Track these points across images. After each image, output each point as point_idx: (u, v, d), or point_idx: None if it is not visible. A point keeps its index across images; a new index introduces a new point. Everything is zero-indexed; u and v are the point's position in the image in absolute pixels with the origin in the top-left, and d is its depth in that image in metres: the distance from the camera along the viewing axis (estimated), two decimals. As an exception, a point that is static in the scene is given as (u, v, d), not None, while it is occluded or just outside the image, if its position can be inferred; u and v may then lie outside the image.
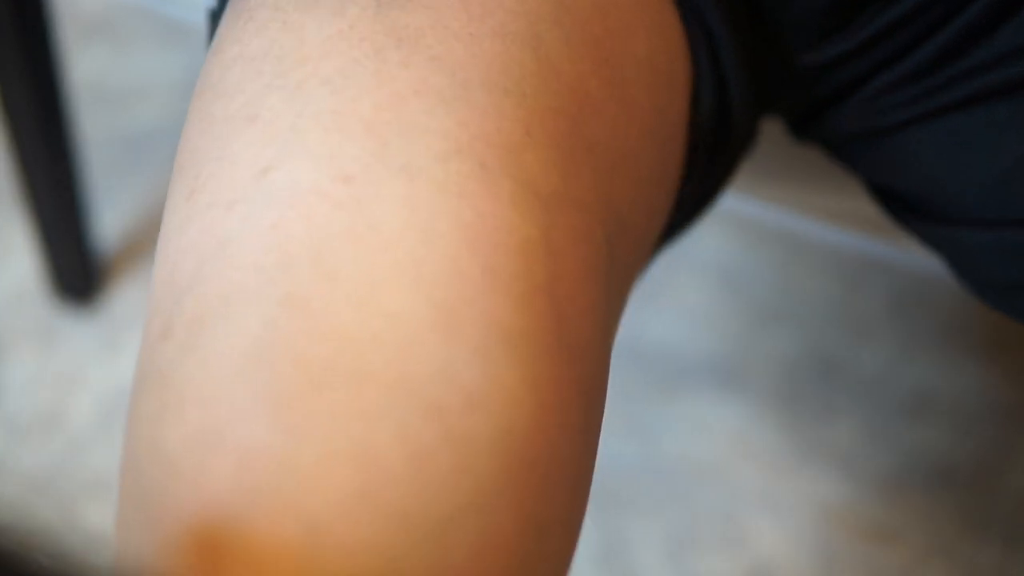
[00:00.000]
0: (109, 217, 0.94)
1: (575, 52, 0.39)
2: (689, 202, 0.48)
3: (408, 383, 0.32)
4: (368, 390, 0.32)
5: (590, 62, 0.40)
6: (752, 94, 0.47)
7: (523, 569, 0.33)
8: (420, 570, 0.31)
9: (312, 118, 0.36)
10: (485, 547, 0.32)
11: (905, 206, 0.49)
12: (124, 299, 0.91)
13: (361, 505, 0.31)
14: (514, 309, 0.34)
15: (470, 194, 0.35)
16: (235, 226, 0.35)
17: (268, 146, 0.36)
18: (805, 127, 0.51)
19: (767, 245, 0.95)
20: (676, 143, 0.45)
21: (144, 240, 0.94)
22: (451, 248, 0.34)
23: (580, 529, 0.37)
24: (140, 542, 0.33)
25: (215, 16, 0.45)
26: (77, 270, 0.88)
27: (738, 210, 0.73)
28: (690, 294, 0.92)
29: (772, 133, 0.55)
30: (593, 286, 0.38)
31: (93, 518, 0.81)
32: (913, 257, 0.61)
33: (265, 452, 0.31)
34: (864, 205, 0.56)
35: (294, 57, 0.37)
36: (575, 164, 0.38)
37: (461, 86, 0.37)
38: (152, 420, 0.33)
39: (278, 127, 0.36)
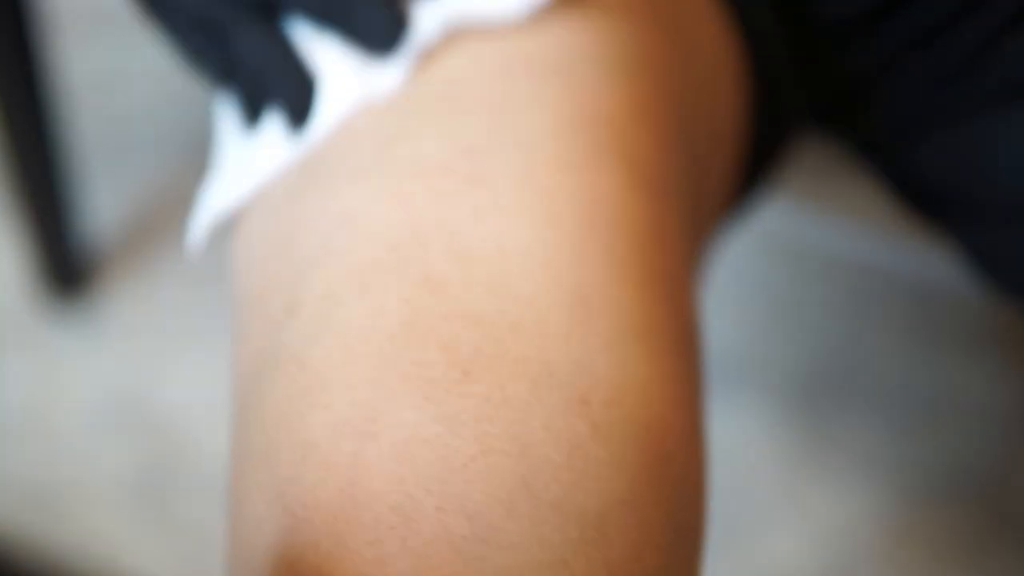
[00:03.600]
0: (97, 216, 0.93)
1: (661, 29, 0.39)
2: (746, 184, 0.48)
3: (552, 374, 0.31)
4: (516, 379, 0.31)
5: (672, 41, 0.40)
6: (797, 85, 0.47)
7: (672, 566, 0.32)
8: (583, 567, 0.30)
9: (429, 92, 0.35)
10: (640, 543, 0.31)
11: (943, 202, 0.48)
12: (114, 299, 0.90)
13: (523, 497, 0.30)
14: (638, 299, 0.33)
15: (585, 170, 0.34)
16: (360, 199, 0.34)
17: (388, 120, 0.35)
18: (837, 119, 0.50)
19: (782, 252, 0.94)
20: (738, 128, 0.45)
21: (135, 239, 0.93)
22: (574, 230, 0.33)
23: (705, 536, 0.36)
24: (278, 537, 0.31)
25: None
26: (65, 269, 0.87)
27: (754, 217, 0.73)
28: (704, 299, 0.91)
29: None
30: (692, 277, 0.37)
31: (84, 525, 0.80)
32: (930, 261, 0.60)
33: (424, 442, 0.30)
34: (879, 208, 0.55)
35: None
36: (673, 145, 0.38)
37: (568, 58, 0.36)
38: (289, 404, 0.32)
39: (394, 101, 0.36)
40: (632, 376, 0.32)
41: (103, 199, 0.94)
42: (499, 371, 0.31)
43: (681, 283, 0.36)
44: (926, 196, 0.49)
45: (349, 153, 0.35)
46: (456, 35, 0.36)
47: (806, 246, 0.94)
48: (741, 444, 0.85)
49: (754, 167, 0.47)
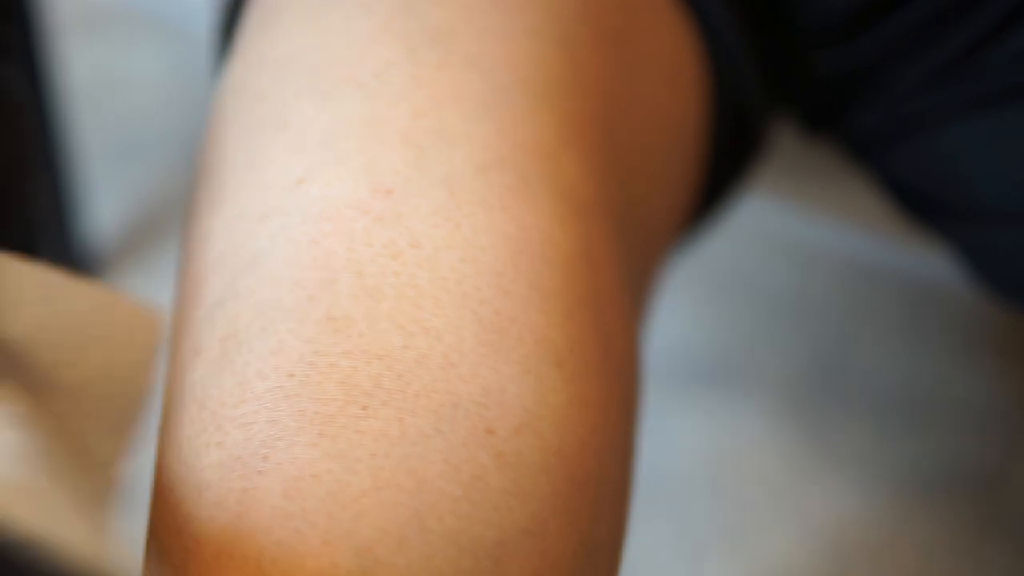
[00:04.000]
0: (100, 218, 0.93)
1: (602, 51, 0.39)
2: (706, 202, 0.47)
3: (456, 405, 0.31)
4: (417, 413, 0.31)
5: (615, 61, 0.39)
6: (765, 93, 0.47)
7: None
8: None
9: (347, 126, 0.34)
10: (541, 571, 0.31)
11: (930, 204, 0.48)
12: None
13: (415, 532, 0.30)
14: (560, 325, 0.33)
15: (512, 207, 0.34)
16: (268, 240, 0.33)
17: (301, 155, 0.34)
18: (824, 123, 0.50)
19: (776, 249, 0.94)
20: (694, 142, 0.44)
21: (138, 240, 0.93)
22: (495, 263, 0.33)
23: (624, 549, 0.36)
24: (176, 573, 0.31)
25: (230, 13, 0.43)
26: (67, 269, 0.87)
27: (747, 214, 0.73)
28: (698, 299, 0.91)
29: (781, 136, 0.55)
30: (625, 296, 0.37)
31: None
32: (926, 261, 0.60)
33: (315, 478, 0.30)
34: (875, 208, 0.55)
35: (325, 60, 0.36)
36: (606, 169, 0.37)
37: (499, 90, 0.35)
38: (187, 442, 0.32)
39: (311, 135, 0.35)
40: (545, 402, 0.32)
41: (106, 201, 0.94)
42: (399, 405, 0.31)
43: (615, 306, 0.35)
44: (914, 198, 0.49)
45: (258, 192, 0.35)
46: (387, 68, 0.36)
47: (802, 246, 0.94)
48: (737, 443, 0.85)
49: (719, 177, 0.47)
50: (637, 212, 0.40)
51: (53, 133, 0.79)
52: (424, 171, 0.34)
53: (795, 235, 0.94)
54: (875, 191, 0.54)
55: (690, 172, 0.45)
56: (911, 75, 0.45)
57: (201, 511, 0.31)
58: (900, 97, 0.46)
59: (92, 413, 0.32)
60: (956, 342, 0.90)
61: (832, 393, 0.88)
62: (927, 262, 0.60)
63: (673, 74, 0.42)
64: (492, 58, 0.36)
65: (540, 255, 0.33)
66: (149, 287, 0.91)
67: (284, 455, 0.30)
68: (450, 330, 0.32)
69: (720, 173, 0.47)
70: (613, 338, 0.35)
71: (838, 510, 0.83)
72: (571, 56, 0.37)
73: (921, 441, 0.86)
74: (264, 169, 0.35)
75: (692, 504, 0.83)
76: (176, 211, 0.94)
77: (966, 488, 0.84)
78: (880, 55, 0.45)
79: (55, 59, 0.79)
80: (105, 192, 0.94)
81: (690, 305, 0.91)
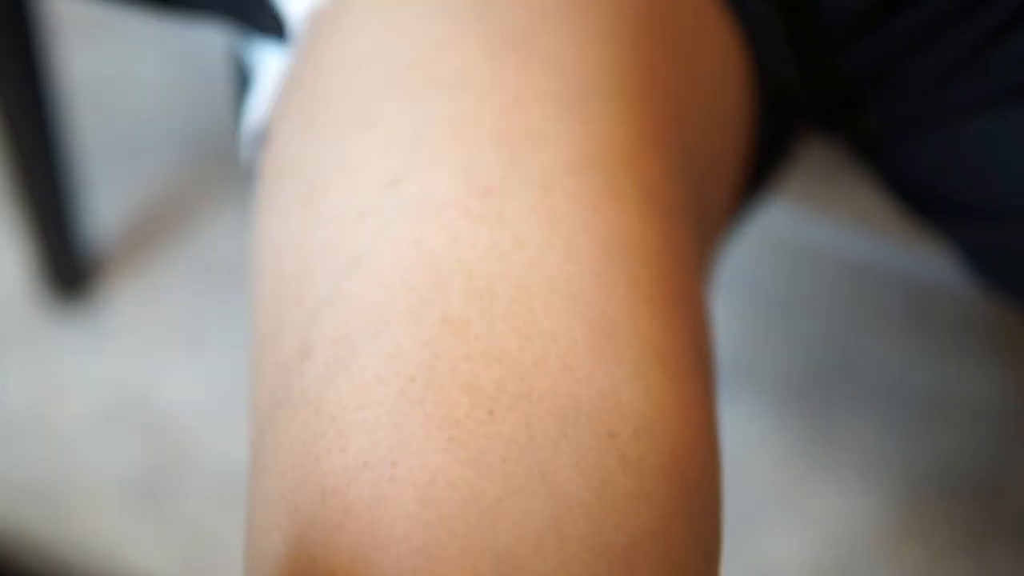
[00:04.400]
0: (99, 217, 0.93)
1: (667, 52, 0.39)
2: (750, 195, 0.48)
3: (579, 408, 0.31)
4: (542, 417, 0.30)
5: (677, 62, 0.39)
6: (801, 90, 0.47)
7: None
8: None
9: (436, 124, 0.34)
10: (669, 575, 0.30)
11: (934, 202, 0.48)
12: (116, 299, 0.90)
13: (552, 537, 0.29)
14: (661, 326, 0.33)
15: (602, 206, 0.34)
16: (369, 241, 0.33)
17: (393, 154, 0.34)
18: (829, 122, 0.50)
19: (777, 249, 0.94)
20: (744, 143, 0.44)
21: (137, 240, 0.93)
22: (595, 263, 0.33)
23: (722, 553, 0.35)
24: None
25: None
26: (67, 270, 0.87)
27: (754, 217, 0.73)
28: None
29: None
30: (705, 294, 0.37)
31: (86, 524, 0.80)
32: (927, 261, 0.60)
33: (449, 484, 0.29)
34: (877, 208, 0.55)
35: (405, 58, 0.36)
36: (681, 169, 0.37)
37: (579, 91, 0.36)
38: (305, 448, 0.32)
39: (400, 133, 0.35)
40: (658, 404, 0.32)
41: (105, 200, 0.94)
42: (525, 409, 0.30)
43: (698, 303, 0.36)
44: (921, 196, 0.49)
45: (351, 192, 0.34)
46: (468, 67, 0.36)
47: (804, 246, 0.94)
48: (739, 444, 0.85)
49: (759, 173, 0.47)
50: (703, 210, 0.40)
51: (53, 133, 0.79)
52: (519, 171, 0.34)
53: (796, 235, 0.94)
54: (877, 191, 0.54)
55: (739, 171, 0.45)
56: (918, 74, 0.45)
57: (328, 518, 0.30)
58: (907, 96, 0.46)
59: None
60: (957, 342, 0.90)
61: (833, 393, 0.88)
62: (928, 262, 0.60)
63: (724, 74, 0.42)
64: (570, 59, 0.36)
65: (634, 254, 0.33)
66: (148, 287, 0.91)
67: (415, 461, 0.30)
68: (563, 332, 0.32)
69: (762, 164, 0.47)
70: (702, 338, 0.35)
71: (838, 510, 0.83)
72: (642, 58, 0.38)
73: (922, 441, 0.86)
74: (355, 168, 0.35)
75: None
76: (176, 211, 0.94)
77: (967, 488, 0.84)
78: (887, 54, 0.45)
79: (55, 59, 0.79)
80: (105, 192, 0.94)
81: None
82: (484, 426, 0.30)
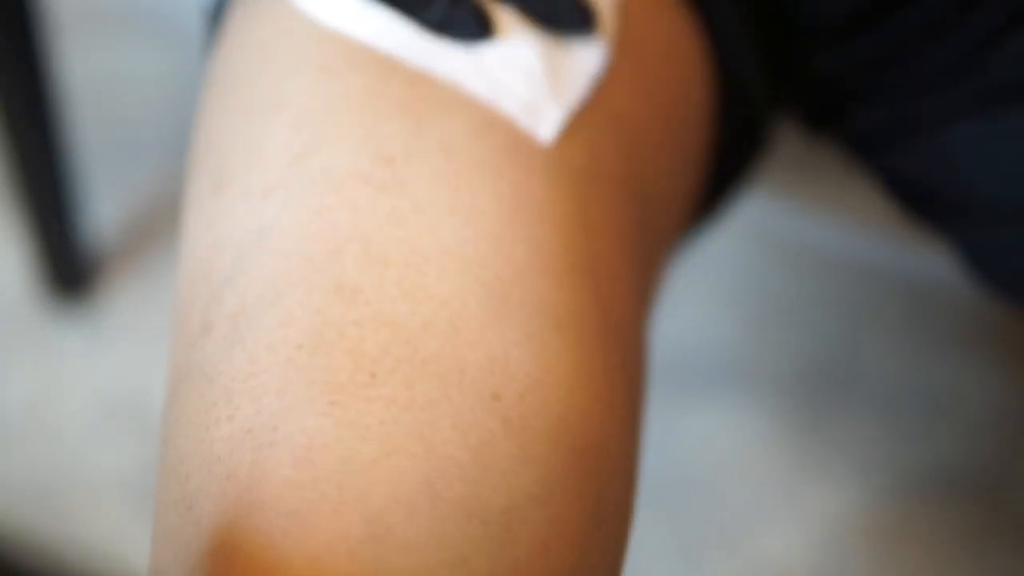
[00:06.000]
0: (100, 217, 0.93)
1: (619, 52, 0.39)
2: (711, 198, 0.48)
3: (464, 371, 0.31)
4: (425, 379, 0.31)
5: (629, 61, 0.39)
6: (768, 92, 0.47)
7: (585, 561, 0.32)
8: (485, 565, 0.30)
9: (345, 98, 0.35)
10: (549, 539, 0.31)
11: (930, 203, 0.48)
12: (117, 299, 0.90)
13: (425, 498, 0.29)
14: (559, 289, 0.33)
15: (506, 168, 0.34)
16: (273, 214, 0.34)
17: (300, 131, 0.35)
18: (826, 122, 0.50)
19: (779, 251, 0.94)
20: (699, 129, 0.44)
21: (137, 240, 0.93)
22: (494, 226, 0.33)
23: (632, 519, 0.36)
24: (189, 550, 0.31)
25: (216, 11, 0.43)
26: (68, 269, 0.87)
27: (749, 214, 0.73)
28: (700, 299, 0.91)
29: (784, 136, 0.55)
30: (629, 263, 0.37)
31: (88, 524, 0.80)
32: (927, 261, 0.60)
33: (325, 447, 0.30)
34: (877, 208, 0.55)
35: (312, 38, 0.36)
36: (601, 135, 0.37)
37: None
38: (197, 419, 0.32)
39: (308, 110, 0.35)
40: (550, 368, 0.32)
41: (105, 200, 0.94)
42: (407, 372, 0.31)
43: (614, 274, 0.35)
44: (915, 197, 0.49)
45: (259, 170, 0.35)
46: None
47: (803, 245, 0.94)
48: (737, 443, 0.85)
49: (725, 174, 0.47)
50: (645, 182, 0.40)
51: (53, 133, 0.79)
52: (423, 138, 0.34)
53: (797, 235, 0.94)
54: (876, 191, 0.54)
55: (698, 157, 0.45)
56: (912, 75, 0.45)
57: (212, 485, 0.31)
58: (901, 97, 0.46)
59: None
60: (957, 342, 0.90)
61: (833, 393, 0.88)
62: (928, 262, 0.60)
63: (677, 56, 0.42)
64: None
65: (535, 216, 0.34)
66: (148, 286, 0.91)
67: (294, 426, 0.30)
68: (455, 296, 0.32)
69: (725, 170, 0.47)
70: (612, 305, 0.35)
71: (838, 510, 0.83)
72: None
73: (922, 440, 0.86)
74: (263, 148, 0.35)
75: (692, 503, 0.83)
76: (176, 211, 0.94)
77: (967, 487, 0.84)
78: (882, 55, 0.45)
79: (55, 59, 0.79)
80: (105, 192, 0.94)
81: (692, 305, 0.91)
82: (365, 389, 0.30)
